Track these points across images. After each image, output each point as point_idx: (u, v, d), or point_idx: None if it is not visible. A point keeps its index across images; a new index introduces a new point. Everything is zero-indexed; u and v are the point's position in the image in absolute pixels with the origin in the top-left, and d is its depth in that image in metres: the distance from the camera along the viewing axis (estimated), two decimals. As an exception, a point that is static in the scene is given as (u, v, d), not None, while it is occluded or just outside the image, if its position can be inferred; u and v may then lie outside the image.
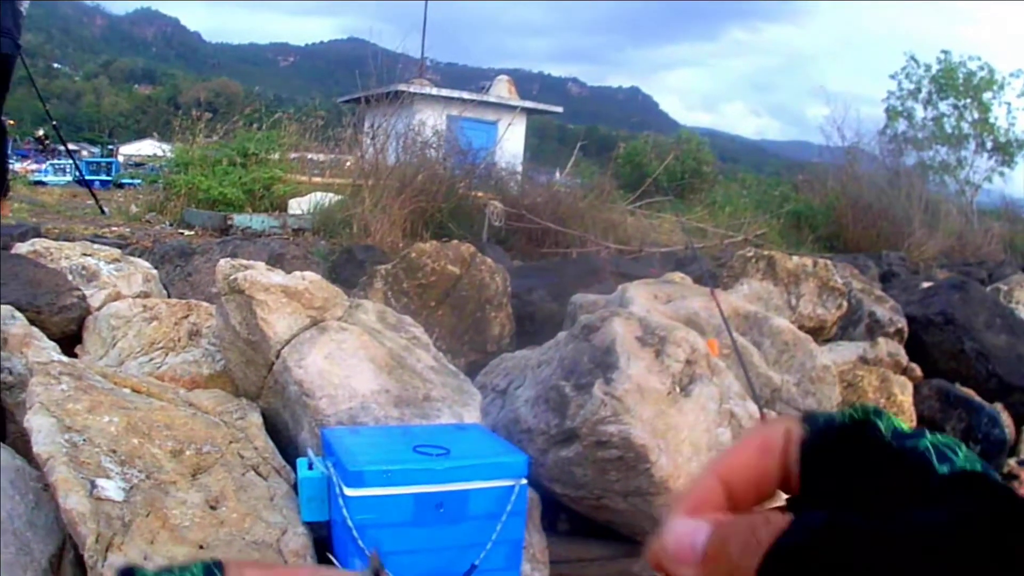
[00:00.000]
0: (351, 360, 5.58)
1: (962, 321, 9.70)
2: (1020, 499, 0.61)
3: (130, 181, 27.11)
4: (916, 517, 0.62)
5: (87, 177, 19.02)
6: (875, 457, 0.68)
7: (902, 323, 9.77)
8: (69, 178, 32.50)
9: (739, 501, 0.72)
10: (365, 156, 15.59)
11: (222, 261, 6.37)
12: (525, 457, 4.88)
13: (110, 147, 59.18)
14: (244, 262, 6.38)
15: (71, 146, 19.93)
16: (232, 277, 5.93)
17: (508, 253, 12.30)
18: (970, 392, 9.09)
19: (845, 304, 9.65)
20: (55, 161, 44.46)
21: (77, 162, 20.57)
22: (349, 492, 4.35)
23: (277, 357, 5.68)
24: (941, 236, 20.26)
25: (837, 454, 0.70)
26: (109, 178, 32.52)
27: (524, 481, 4.78)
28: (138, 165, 40.84)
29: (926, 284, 11.77)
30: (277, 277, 6.08)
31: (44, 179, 29.92)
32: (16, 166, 30.18)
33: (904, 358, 9.35)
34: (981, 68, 29.90)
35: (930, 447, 0.67)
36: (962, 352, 9.58)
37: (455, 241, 8.58)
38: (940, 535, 0.60)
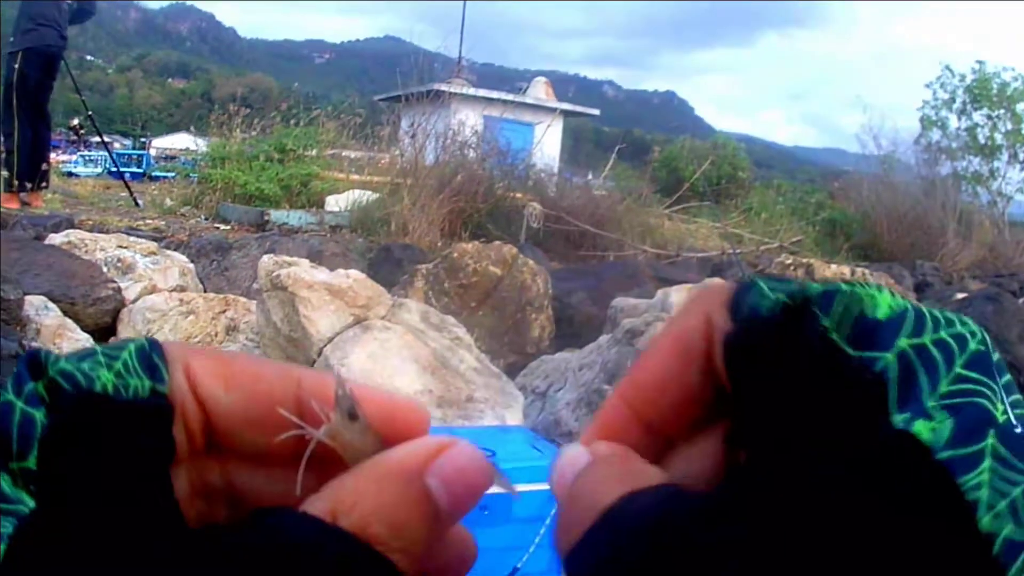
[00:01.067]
0: (394, 359, 5.56)
1: (995, 333, 9.62)
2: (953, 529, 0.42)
3: (162, 174, 27.19)
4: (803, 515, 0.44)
5: (120, 169, 19.08)
6: (812, 372, 0.48)
7: (937, 334, 9.74)
8: (100, 170, 32.66)
9: (662, 423, 0.57)
10: (404, 155, 15.60)
11: (265, 257, 6.36)
12: (570, 461, 4.84)
13: (143, 140, 59.43)
14: (287, 259, 6.37)
15: (104, 138, 20.00)
16: (275, 273, 5.92)
17: (546, 255, 12.27)
18: (1004, 406, 9.06)
19: (882, 313, 9.62)
20: (86, 152, 44.63)
21: (112, 154, 20.64)
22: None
23: (319, 355, 5.66)
24: (974, 247, 20.21)
25: (769, 360, 0.50)
26: (140, 170, 32.68)
27: (569, 485, 4.75)
28: (170, 158, 41.02)
29: (960, 295, 11.71)
30: (321, 274, 6.06)
31: (74, 170, 30.00)
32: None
33: (940, 369, 9.33)
34: (1015, 79, 29.82)
35: (894, 369, 0.46)
36: (996, 364, 9.54)
37: (497, 242, 8.56)
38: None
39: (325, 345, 5.67)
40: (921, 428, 0.44)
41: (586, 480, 0.54)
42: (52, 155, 14.39)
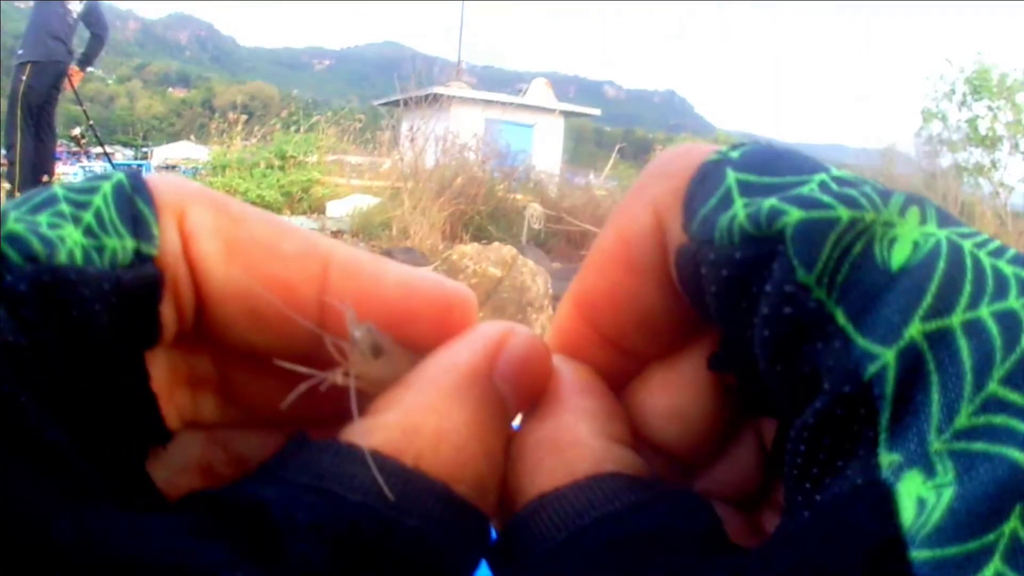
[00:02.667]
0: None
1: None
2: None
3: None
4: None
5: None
6: (778, 349, 0.36)
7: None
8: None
9: (627, 342, 0.46)
10: (404, 159, 15.61)
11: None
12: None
13: (144, 150, 59.34)
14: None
15: (106, 148, 20.02)
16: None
17: (547, 255, 12.28)
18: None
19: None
20: (86, 164, 44.56)
21: (113, 164, 20.68)
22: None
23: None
24: (977, 238, 20.21)
25: (729, 303, 0.38)
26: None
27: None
28: (171, 167, 41.01)
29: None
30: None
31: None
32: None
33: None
34: (1015, 69, 29.74)
35: (891, 380, 0.32)
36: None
37: (496, 243, 8.56)
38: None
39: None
40: (908, 490, 0.30)
41: (529, 425, 0.44)
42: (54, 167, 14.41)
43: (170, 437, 0.43)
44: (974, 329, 0.31)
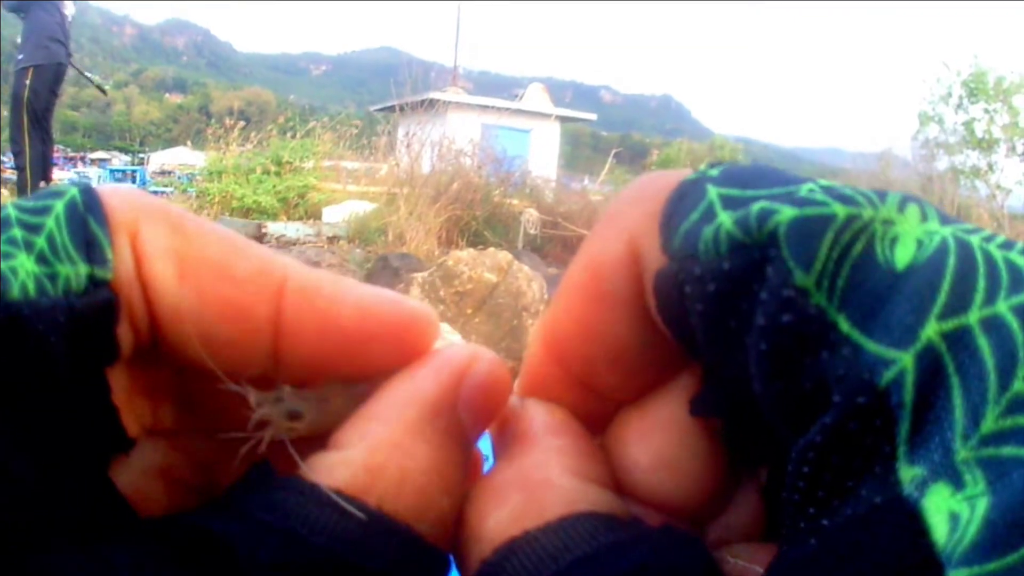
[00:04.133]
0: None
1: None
2: None
3: (160, 189, 27.21)
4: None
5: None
6: (779, 362, 0.33)
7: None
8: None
9: (600, 383, 0.43)
10: (400, 164, 15.62)
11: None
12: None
13: (141, 156, 59.41)
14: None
15: (102, 154, 20.11)
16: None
17: (544, 261, 12.28)
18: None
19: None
20: (81, 169, 44.71)
21: (111, 171, 20.72)
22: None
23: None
24: (974, 241, 20.22)
25: (719, 327, 0.35)
26: (134, 186, 32.70)
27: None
28: (165, 173, 41.05)
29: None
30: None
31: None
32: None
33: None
34: (1011, 71, 29.71)
35: (910, 385, 0.29)
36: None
37: (492, 249, 8.56)
38: None
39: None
40: (937, 506, 0.28)
41: (498, 466, 0.43)
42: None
43: (132, 445, 0.42)
44: (993, 325, 0.29)
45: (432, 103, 18.98)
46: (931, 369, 0.29)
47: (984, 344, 0.29)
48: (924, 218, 0.33)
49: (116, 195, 0.40)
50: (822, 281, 0.31)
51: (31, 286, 0.36)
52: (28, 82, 11.90)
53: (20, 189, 12.49)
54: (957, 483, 0.27)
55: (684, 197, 0.37)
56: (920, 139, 29.78)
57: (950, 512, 0.27)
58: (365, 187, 16.75)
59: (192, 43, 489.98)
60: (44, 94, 12.15)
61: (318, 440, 0.41)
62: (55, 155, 14.95)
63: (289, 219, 14.46)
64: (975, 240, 0.32)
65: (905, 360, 0.29)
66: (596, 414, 0.45)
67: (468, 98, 31.60)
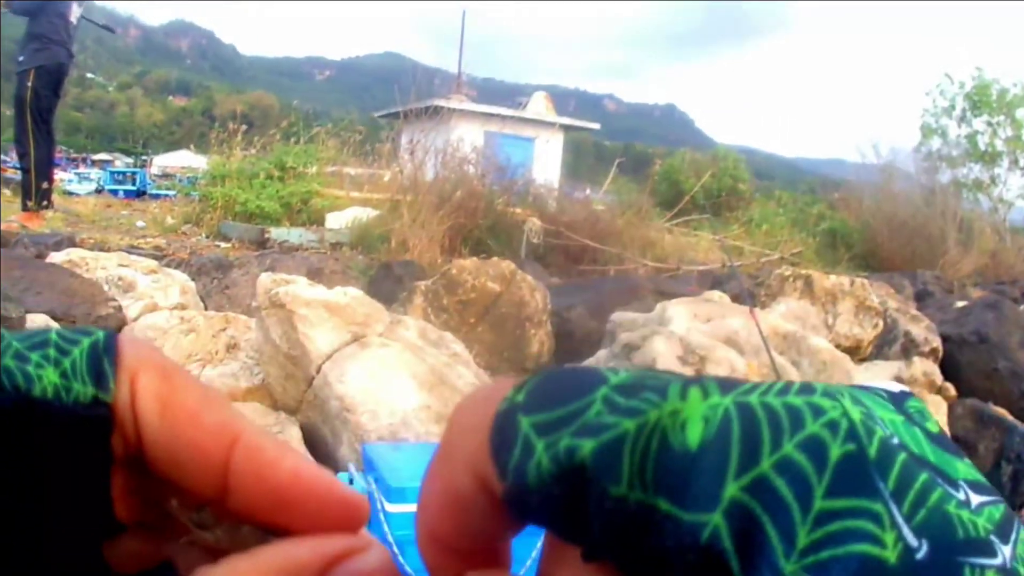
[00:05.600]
0: (393, 376, 5.59)
1: (996, 340, 9.64)
2: None
3: (160, 192, 27.21)
4: None
5: (112, 187, 19.14)
6: (615, 550, 0.39)
7: (937, 342, 9.71)
8: (93, 187, 32.83)
9: (482, 552, 0.48)
10: (403, 171, 15.63)
11: (263, 275, 6.39)
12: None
13: (144, 158, 59.51)
14: (285, 276, 6.41)
15: (104, 156, 20.15)
16: (273, 292, 5.96)
17: (546, 270, 12.29)
18: (1003, 412, 9.02)
19: (881, 323, 9.60)
20: (81, 170, 44.77)
21: (111, 172, 20.70)
22: (391, 508, 4.33)
23: (318, 372, 5.69)
24: (975, 255, 20.11)
25: (561, 523, 0.41)
26: (133, 188, 32.70)
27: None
28: (166, 176, 41.11)
29: (960, 303, 11.68)
30: (319, 292, 6.10)
31: (69, 188, 30.09)
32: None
33: (938, 377, 9.29)
34: (1015, 84, 29.71)
35: (727, 535, 0.35)
36: (995, 371, 9.51)
37: (495, 258, 8.58)
38: None
39: (324, 362, 5.70)
40: None
41: None
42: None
43: (124, 530, 0.53)
44: (785, 466, 0.35)
45: (436, 110, 19.00)
46: (741, 517, 0.35)
47: (780, 483, 0.35)
48: (705, 395, 0.38)
49: (130, 345, 0.52)
50: (633, 482, 0.37)
51: (50, 391, 0.48)
52: (29, 84, 11.94)
53: (24, 190, 12.53)
54: None
55: (503, 431, 0.42)
56: (923, 151, 29.80)
57: None
58: (368, 194, 16.79)
59: (196, 45, 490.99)
60: (46, 95, 12.21)
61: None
62: (57, 156, 15.00)
63: (292, 225, 14.48)
64: (754, 399, 0.37)
65: (715, 519, 0.35)
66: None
67: (472, 105, 31.62)
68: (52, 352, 0.50)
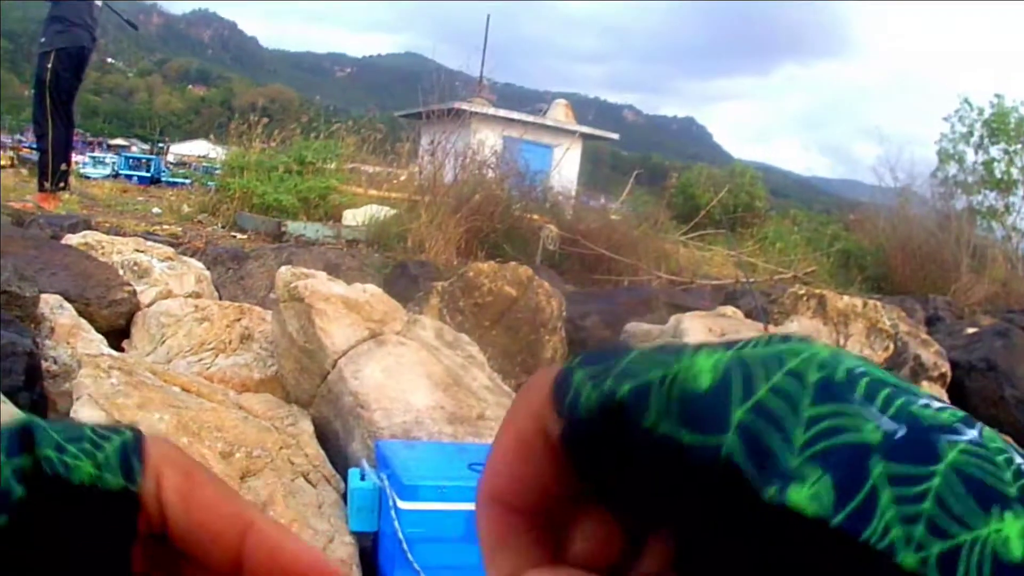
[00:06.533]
0: (408, 375, 5.59)
1: (1004, 368, 9.63)
2: None
3: (176, 180, 27.20)
4: None
5: (126, 172, 19.17)
6: (655, 475, 0.46)
7: (946, 367, 9.70)
8: (108, 171, 32.93)
9: (549, 519, 0.53)
10: (423, 172, 15.62)
11: (282, 268, 6.41)
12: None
13: (160, 145, 59.52)
14: (304, 270, 6.41)
15: (121, 141, 20.16)
16: (292, 285, 5.97)
17: (561, 277, 12.28)
18: (1009, 440, 9.01)
19: (892, 346, 9.59)
20: (96, 154, 44.79)
21: (126, 157, 20.71)
22: (403, 505, 4.34)
23: (333, 367, 5.69)
24: (987, 282, 20.03)
25: (608, 464, 0.48)
26: (148, 174, 32.74)
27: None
28: (181, 164, 41.10)
29: (971, 330, 11.67)
30: (338, 288, 6.11)
31: (83, 171, 30.16)
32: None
33: (946, 403, 9.29)
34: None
35: (740, 449, 0.43)
36: (1002, 399, 9.49)
37: (513, 263, 8.57)
38: None
39: (339, 358, 5.70)
40: (798, 496, 0.40)
41: None
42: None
43: None
44: (776, 390, 0.43)
45: (457, 113, 18.97)
46: (747, 434, 0.43)
47: (775, 403, 0.43)
48: (710, 353, 0.46)
49: (155, 446, 0.60)
50: (659, 419, 0.45)
51: (87, 480, 0.54)
52: (50, 65, 11.94)
53: (41, 171, 12.54)
54: (801, 479, 0.41)
55: (562, 383, 0.50)
56: (939, 177, 29.72)
57: (808, 493, 0.40)
58: (386, 192, 16.79)
59: (218, 36, 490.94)
60: (66, 78, 12.19)
61: None
62: (75, 139, 14.99)
63: (309, 219, 14.46)
64: (747, 351, 0.46)
65: (729, 438, 0.43)
66: (546, 544, 0.55)
67: (493, 110, 31.59)
68: (88, 445, 0.56)
